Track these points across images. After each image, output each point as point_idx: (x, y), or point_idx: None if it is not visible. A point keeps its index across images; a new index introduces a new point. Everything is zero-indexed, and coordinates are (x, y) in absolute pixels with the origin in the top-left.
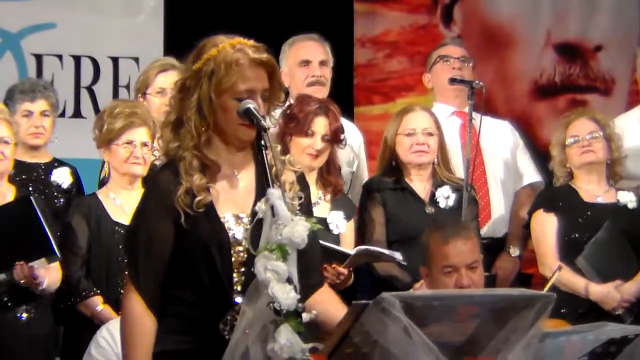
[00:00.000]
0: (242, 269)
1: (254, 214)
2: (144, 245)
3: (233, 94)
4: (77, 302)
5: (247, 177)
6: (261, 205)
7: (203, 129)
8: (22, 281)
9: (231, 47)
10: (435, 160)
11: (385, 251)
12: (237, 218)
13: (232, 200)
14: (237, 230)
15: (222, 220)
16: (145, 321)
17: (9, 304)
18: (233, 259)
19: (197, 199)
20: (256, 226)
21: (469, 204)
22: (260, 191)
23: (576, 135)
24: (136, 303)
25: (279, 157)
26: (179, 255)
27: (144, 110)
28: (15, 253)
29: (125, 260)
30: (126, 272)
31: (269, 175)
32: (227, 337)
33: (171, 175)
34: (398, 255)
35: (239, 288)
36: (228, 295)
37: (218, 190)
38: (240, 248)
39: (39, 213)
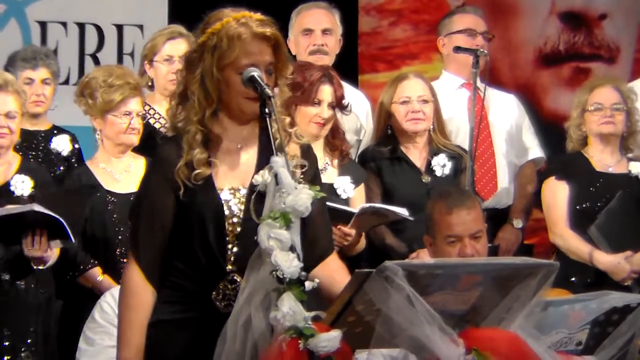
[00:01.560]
0: (236, 241)
1: (251, 186)
2: (145, 217)
3: (236, 68)
4: (76, 275)
5: (250, 151)
6: (257, 177)
7: (207, 102)
8: (31, 252)
9: (235, 21)
10: (431, 127)
11: (391, 207)
12: (235, 191)
13: (233, 174)
14: (232, 203)
15: (218, 192)
16: (143, 291)
17: (7, 279)
18: (227, 231)
19: (196, 171)
20: (255, 197)
21: (466, 172)
22: (261, 165)
23: (600, 103)
24: (136, 273)
25: (285, 127)
26: (178, 227)
27: (135, 77)
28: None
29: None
30: (130, 243)
31: (272, 143)
32: (219, 306)
33: (174, 147)
34: (404, 211)
35: (232, 259)
36: (221, 266)
37: (218, 163)
38: (235, 220)
39: (47, 212)
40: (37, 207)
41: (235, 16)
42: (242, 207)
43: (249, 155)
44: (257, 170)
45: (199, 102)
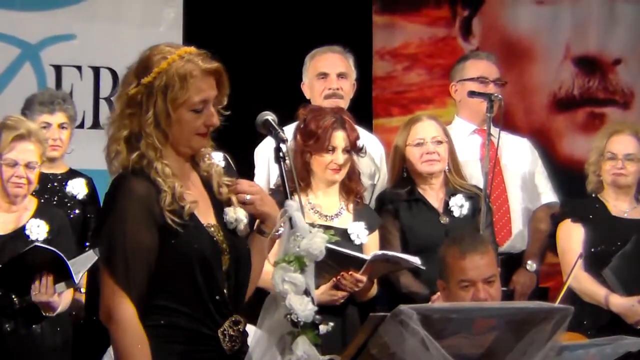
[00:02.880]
0: (228, 279)
1: (224, 224)
2: (133, 253)
3: (189, 106)
4: None
5: (198, 187)
6: (231, 214)
7: (165, 141)
8: (38, 298)
9: (180, 59)
10: (447, 168)
11: (403, 255)
12: (215, 228)
13: (202, 210)
14: (220, 241)
15: (207, 229)
16: (140, 328)
17: (22, 325)
18: (222, 269)
19: (186, 207)
20: (230, 235)
21: (485, 212)
22: (215, 202)
23: (614, 153)
24: (131, 311)
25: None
26: (167, 264)
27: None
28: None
29: (108, 269)
30: (112, 281)
31: (285, 186)
32: (225, 347)
33: (146, 182)
34: (416, 260)
35: (229, 299)
36: (226, 306)
37: (195, 198)
38: (226, 257)
39: (52, 249)
40: (40, 244)
41: (179, 53)
42: (229, 245)
43: (200, 191)
44: (214, 207)
45: (158, 141)
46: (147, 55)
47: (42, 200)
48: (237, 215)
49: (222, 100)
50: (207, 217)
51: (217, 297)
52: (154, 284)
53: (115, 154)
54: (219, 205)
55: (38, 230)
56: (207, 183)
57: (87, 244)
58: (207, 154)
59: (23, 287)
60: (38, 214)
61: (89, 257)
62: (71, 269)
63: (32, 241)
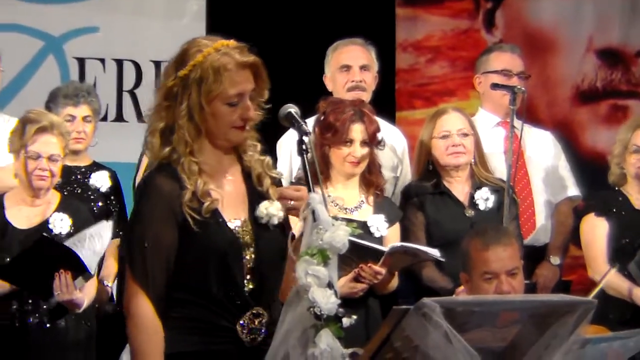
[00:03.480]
0: (252, 273)
1: (255, 219)
2: (152, 249)
3: (223, 99)
4: None
5: (237, 181)
6: (262, 209)
7: (197, 135)
8: (60, 297)
9: (216, 52)
10: (473, 160)
11: (422, 248)
12: (242, 223)
13: (231, 205)
14: (243, 234)
15: (229, 225)
16: (157, 325)
17: (46, 320)
18: (244, 263)
19: (206, 204)
20: (260, 229)
21: (509, 205)
22: (253, 196)
23: (638, 145)
24: (147, 308)
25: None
26: (187, 259)
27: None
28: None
29: (128, 266)
30: (131, 278)
31: (309, 179)
32: (245, 339)
33: (170, 179)
34: (436, 252)
35: (250, 292)
36: (245, 299)
37: (218, 194)
38: (249, 253)
39: (60, 245)
40: (46, 235)
41: (215, 46)
42: (254, 240)
43: (238, 186)
44: (251, 202)
45: (189, 134)
46: (185, 48)
47: (65, 194)
48: (268, 210)
49: (262, 93)
50: (236, 212)
51: (232, 291)
52: (175, 278)
53: (151, 146)
54: (258, 198)
55: (61, 224)
56: (248, 175)
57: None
58: (251, 145)
59: (46, 289)
60: (61, 207)
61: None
62: (84, 262)
63: (56, 235)
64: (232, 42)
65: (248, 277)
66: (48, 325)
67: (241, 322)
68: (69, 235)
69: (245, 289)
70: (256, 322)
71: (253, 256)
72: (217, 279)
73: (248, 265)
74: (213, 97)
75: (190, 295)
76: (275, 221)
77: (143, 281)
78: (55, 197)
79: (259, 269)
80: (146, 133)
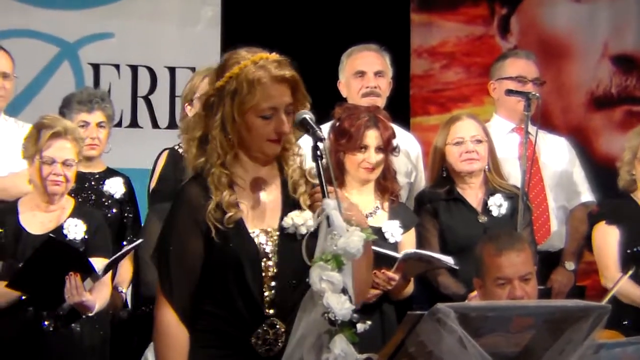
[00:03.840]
0: (272, 284)
1: (281, 228)
2: (177, 260)
3: (256, 112)
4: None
5: (273, 192)
6: (287, 220)
7: (229, 146)
8: (71, 299)
9: (253, 64)
10: (487, 167)
11: (435, 255)
12: (266, 233)
13: (260, 216)
14: (266, 245)
15: (251, 235)
16: (180, 334)
17: (64, 322)
18: (263, 274)
19: (228, 215)
20: (286, 239)
21: (523, 211)
22: (286, 205)
23: None
24: (171, 317)
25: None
26: (210, 269)
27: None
28: (62, 284)
29: (158, 275)
30: (159, 287)
31: (322, 185)
32: (259, 350)
33: (199, 189)
34: (449, 260)
35: (269, 303)
36: (260, 310)
37: (247, 205)
38: (270, 263)
39: (66, 245)
40: (53, 236)
41: (253, 59)
42: (276, 249)
43: (273, 197)
44: (283, 211)
45: (221, 146)
46: (226, 59)
47: (80, 200)
48: (294, 220)
49: (301, 109)
50: (265, 221)
51: (252, 301)
52: (200, 289)
53: (188, 155)
54: (290, 208)
55: (76, 230)
56: (286, 185)
57: (124, 242)
58: (293, 156)
59: (57, 296)
60: (75, 213)
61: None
62: (91, 262)
63: (70, 241)
64: (272, 56)
65: (269, 286)
66: (63, 330)
67: (257, 333)
68: (83, 241)
69: (265, 299)
70: (271, 333)
71: (274, 266)
72: (236, 289)
73: (269, 274)
74: (246, 109)
75: (214, 307)
76: (303, 231)
77: (167, 290)
78: (69, 203)
79: (280, 279)
80: (181, 140)
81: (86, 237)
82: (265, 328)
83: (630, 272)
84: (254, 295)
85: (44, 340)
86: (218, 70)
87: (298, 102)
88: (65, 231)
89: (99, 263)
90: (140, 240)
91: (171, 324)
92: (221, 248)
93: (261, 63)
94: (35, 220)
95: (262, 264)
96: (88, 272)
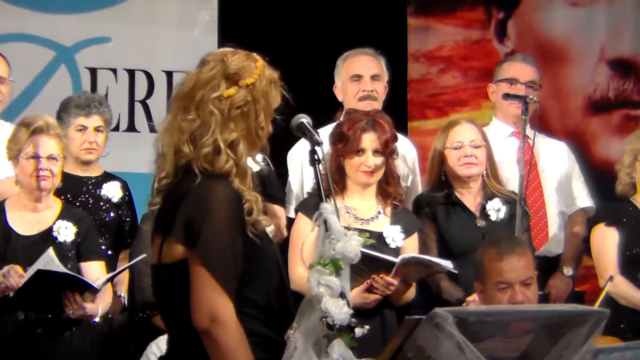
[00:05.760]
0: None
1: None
2: (234, 257)
3: (273, 112)
4: (153, 314)
5: None
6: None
7: (258, 145)
8: (74, 315)
9: (263, 65)
10: (485, 172)
11: (434, 259)
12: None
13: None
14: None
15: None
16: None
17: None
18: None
19: (262, 219)
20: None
21: (521, 216)
22: None
23: None
24: (234, 312)
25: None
26: (248, 271)
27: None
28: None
29: (213, 273)
30: (217, 284)
31: (321, 189)
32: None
33: (234, 189)
34: (448, 264)
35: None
36: (291, 309)
37: None
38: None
39: (60, 270)
40: (43, 267)
41: (256, 57)
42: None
43: None
44: None
45: (252, 146)
46: (236, 58)
47: (77, 203)
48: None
49: None
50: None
51: (284, 303)
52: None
53: (211, 158)
54: None
55: (66, 232)
56: None
57: (123, 247)
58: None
59: (55, 306)
60: (64, 215)
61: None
62: (87, 281)
63: (60, 243)
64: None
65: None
66: (54, 334)
67: (287, 335)
68: (74, 243)
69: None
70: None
71: None
72: (276, 292)
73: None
74: (272, 109)
75: (251, 309)
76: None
77: (229, 286)
78: (56, 204)
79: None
80: (206, 141)
81: (76, 239)
82: (291, 331)
83: (610, 282)
84: (287, 293)
85: (35, 345)
86: (229, 70)
87: None
88: (55, 233)
89: (94, 267)
90: (144, 255)
91: (237, 321)
92: (262, 250)
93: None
94: (23, 221)
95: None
96: (85, 289)
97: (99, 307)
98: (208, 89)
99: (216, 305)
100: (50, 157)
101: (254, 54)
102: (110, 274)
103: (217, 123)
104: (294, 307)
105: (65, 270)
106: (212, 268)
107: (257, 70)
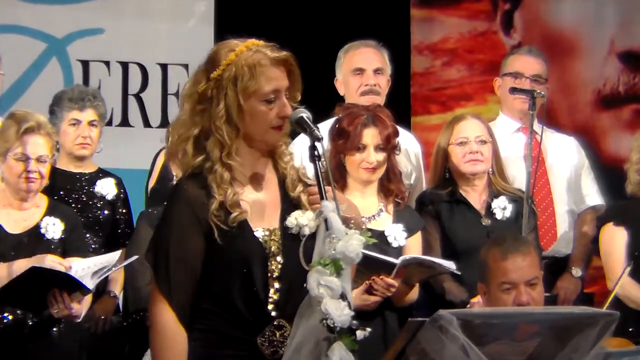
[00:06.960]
0: (276, 284)
1: (284, 228)
2: (177, 258)
3: (260, 96)
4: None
5: (271, 189)
6: (291, 220)
7: (235, 137)
8: (59, 314)
9: (248, 50)
10: (490, 169)
11: (437, 260)
12: (269, 232)
13: (260, 214)
14: (270, 244)
15: (255, 235)
16: (178, 334)
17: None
18: (269, 274)
19: (233, 215)
20: (289, 239)
21: (528, 215)
22: (285, 204)
23: None
24: (169, 316)
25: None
26: (211, 268)
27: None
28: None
29: (153, 274)
30: (155, 286)
31: (321, 186)
32: (265, 352)
33: (198, 187)
34: (451, 265)
35: (274, 304)
36: (266, 311)
37: (247, 203)
38: (275, 263)
39: (52, 271)
40: (37, 266)
41: (246, 44)
42: (281, 250)
43: (272, 194)
44: (282, 210)
45: (228, 137)
46: (215, 51)
47: (71, 200)
48: (298, 220)
49: (296, 95)
50: (266, 220)
51: (254, 303)
52: (201, 287)
53: (183, 154)
54: (290, 207)
55: (54, 229)
56: (283, 183)
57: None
58: (289, 154)
59: (38, 304)
60: (51, 211)
61: (108, 260)
62: (80, 280)
63: (48, 240)
64: (261, 42)
65: (273, 287)
66: (41, 334)
67: (263, 334)
68: (62, 240)
69: (270, 300)
70: (278, 335)
71: (279, 266)
72: (240, 290)
73: (274, 275)
74: (249, 94)
75: (215, 306)
76: (307, 231)
77: (165, 288)
78: (43, 201)
79: (285, 280)
80: (175, 141)
81: (64, 236)
82: (272, 329)
83: (628, 269)
84: (259, 295)
85: (22, 345)
86: (208, 63)
87: (294, 85)
88: (42, 230)
89: (76, 261)
90: (136, 257)
91: (169, 324)
92: (225, 248)
93: (255, 48)
94: (10, 219)
95: (269, 264)
96: (77, 289)
97: (82, 309)
98: (192, 85)
99: (153, 305)
100: (40, 159)
101: (251, 40)
102: (102, 274)
103: (185, 120)
104: (292, 304)
105: (61, 269)
106: (153, 271)
107: (226, 61)
